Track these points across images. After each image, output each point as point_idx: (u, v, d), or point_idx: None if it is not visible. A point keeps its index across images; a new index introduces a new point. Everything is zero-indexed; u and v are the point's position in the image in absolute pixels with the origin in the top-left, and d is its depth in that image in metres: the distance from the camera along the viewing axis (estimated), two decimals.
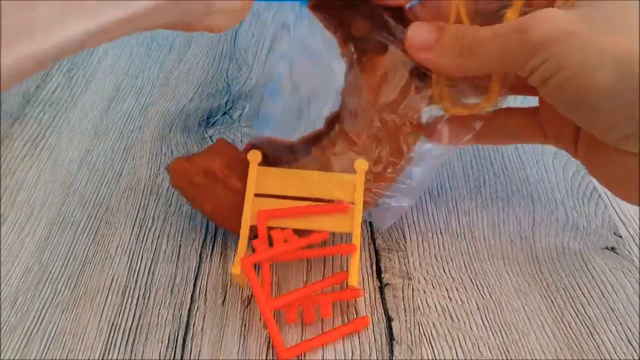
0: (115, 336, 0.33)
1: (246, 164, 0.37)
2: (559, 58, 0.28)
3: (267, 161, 0.37)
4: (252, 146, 0.37)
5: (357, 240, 0.35)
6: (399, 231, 0.39)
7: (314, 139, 0.38)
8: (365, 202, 0.36)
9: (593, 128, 0.30)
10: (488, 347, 0.33)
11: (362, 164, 0.36)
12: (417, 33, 0.33)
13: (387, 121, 0.36)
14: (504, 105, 0.35)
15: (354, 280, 0.34)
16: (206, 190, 0.36)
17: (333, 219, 0.35)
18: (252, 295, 0.35)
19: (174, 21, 0.29)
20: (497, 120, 0.36)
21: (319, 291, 0.34)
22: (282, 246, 0.33)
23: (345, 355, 0.32)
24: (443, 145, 0.36)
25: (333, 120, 0.38)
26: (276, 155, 0.38)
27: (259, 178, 0.36)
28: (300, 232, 0.35)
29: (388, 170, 0.36)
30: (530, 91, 0.32)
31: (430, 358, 0.32)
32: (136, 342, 0.33)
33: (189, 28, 0.31)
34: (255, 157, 0.36)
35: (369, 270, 0.37)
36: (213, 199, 0.37)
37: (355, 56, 0.37)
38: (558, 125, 0.35)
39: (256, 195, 0.36)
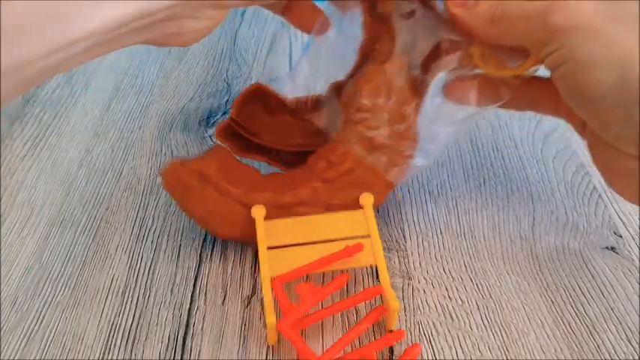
0: (114, 336, 0.33)
1: (241, 169, 0.37)
2: (570, 47, 0.28)
3: (293, 124, 0.39)
4: (222, 130, 0.39)
5: (384, 276, 0.34)
6: (399, 230, 0.39)
7: (337, 89, 0.39)
8: (395, 165, 0.36)
9: (591, 122, 0.30)
10: (488, 347, 0.33)
11: (368, 199, 0.36)
12: None
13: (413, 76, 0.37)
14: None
15: (392, 323, 0.33)
16: (198, 193, 0.36)
17: (352, 257, 0.35)
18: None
19: (150, 41, 0.32)
20: (520, 86, 0.36)
21: (362, 332, 0.33)
22: (311, 301, 0.32)
23: (344, 354, 0.32)
24: (467, 107, 0.36)
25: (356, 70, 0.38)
26: (304, 115, 0.39)
27: (268, 231, 0.35)
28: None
29: (411, 130, 0.37)
30: None
31: (430, 357, 0.32)
32: (136, 342, 0.33)
33: (163, 45, 0.33)
34: (259, 212, 0.36)
35: (369, 269, 0.37)
36: (204, 203, 0.36)
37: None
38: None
39: (269, 248, 0.35)
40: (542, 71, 0.33)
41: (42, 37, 0.26)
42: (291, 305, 0.32)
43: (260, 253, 0.34)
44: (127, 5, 0.28)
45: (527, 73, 0.34)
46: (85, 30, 0.27)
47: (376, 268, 0.37)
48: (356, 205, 0.36)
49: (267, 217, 0.36)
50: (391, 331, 0.32)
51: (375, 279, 0.36)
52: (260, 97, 0.40)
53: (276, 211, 0.36)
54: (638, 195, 0.32)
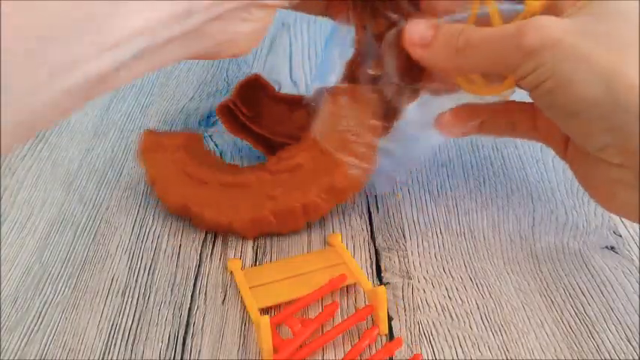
0: (115, 335, 0.33)
1: (204, 152, 0.42)
2: (549, 66, 0.28)
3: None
4: (221, 107, 0.42)
5: (365, 284, 0.34)
6: (399, 230, 0.39)
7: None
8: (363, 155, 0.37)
9: (575, 135, 0.31)
10: (488, 346, 0.33)
11: (335, 238, 0.38)
12: (414, 29, 0.33)
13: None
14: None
15: (384, 328, 0.33)
16: (154, 157, 0.40)
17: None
18: None
19: (202, 53, 0.31)
20: (496, 112, 0.36)
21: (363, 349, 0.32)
22: (304, 334, 0.32)
23: (344, 353, 0.32)
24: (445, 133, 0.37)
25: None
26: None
27: (248, 277, 0.36)
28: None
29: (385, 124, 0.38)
30: None
31: (430, 357, 0.32)
32: (136, 341, 0.33)
33: (215, 56, 0.32)
34: (235, 265, 0.37)
35: (369, 269, 0.37)
36: (156, 167, 0.40)
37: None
38: (550, 124, 0.35)
39: (251, 287, 0.35)
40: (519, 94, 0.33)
41: (86, 36, 0.25)
42: (284, 340, 0.31)
43: (243, 293, 0.35)
44: (168, 4, 0.27)
45: (503, 95, 0.34)
46: (129, 29, 0.26)
47: (376, 267, 0.37)
48: (299, 203, 0.38)
49: (210, 195, 0.38)
50: (390, 340, 0.32)
51: (375, 278, 0.36)
52: (259, 87, 0.43)
53: (220, 189, 0.39)
54: (617, 205, 0.32)
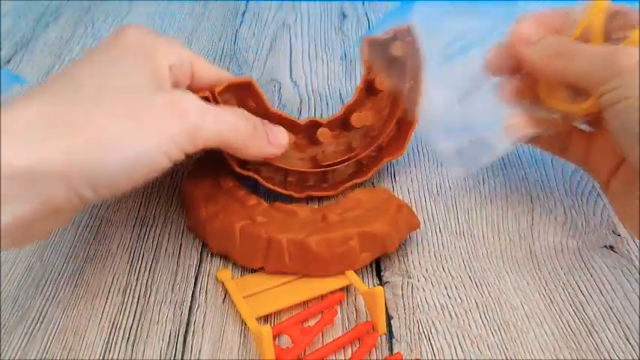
0: (115, 334, 0.34)
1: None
2: (629, 87, 0.30)
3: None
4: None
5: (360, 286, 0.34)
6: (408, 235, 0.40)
7: None
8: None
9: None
10: (487, 345, 0.33)
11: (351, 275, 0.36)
12: (525, 26, 0.35)
13: None
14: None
15: (383, 329, 0.33)
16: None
17: (331, 284, 0.35)
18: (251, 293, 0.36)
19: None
20: (556, 129, 0.37)
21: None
22: (304, 342, 0.32)
23: (344, 353, 0.32)
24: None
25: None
26: None
27: (240, 287, 0.35)
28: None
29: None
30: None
31: (429, 355, 0.32)
32: (137, 340, 0.33)
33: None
34: (225, 275, 0.36)
35: (369, 268, 0.37)
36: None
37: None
38: (602, 155, 0.36)
39: (245, 297, 0.35)
40: None
41: None
42: (283, 350, 0.31)
43: (237, 303, 0.34)
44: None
45: (576, 120, 0.35)
46: None
47: (376, 266, 0.37)
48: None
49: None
50: (391, 354, 0.32)
51: (374, 277, 0.37)
52: (251, 94, 0.39)
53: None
54: None
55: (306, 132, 0.41)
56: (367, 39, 0.41)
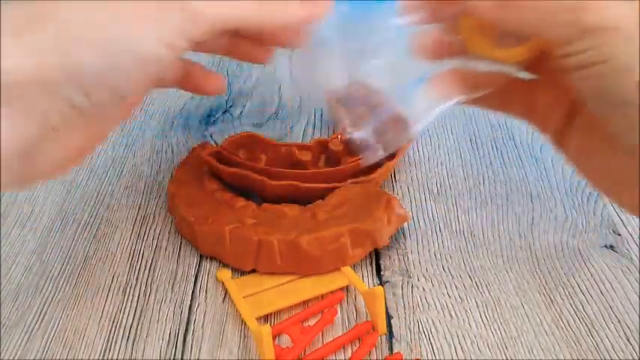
0: (115, 333, 0.34)
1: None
2: (608, 48, 0.27)
3: None
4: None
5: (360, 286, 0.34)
6: (399, 229, 0.40)
7: None
8: None
9: (617, 127, 0.29)
10: (487, 345, 0.33)
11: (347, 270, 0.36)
12: None
13: None
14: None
15: (382, 328, 0.33)
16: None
17: (331, 284, 0.35)
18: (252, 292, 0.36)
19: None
20: (493, 82, 0.33)
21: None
22: (303, 342, 0.32)
23: (344, 352, 0.32)
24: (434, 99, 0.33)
25: None
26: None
27: (240, 287, 0.35)
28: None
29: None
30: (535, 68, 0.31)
31: (429, 355, 0.32)
32: (137, 339, 0.33)
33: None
34: (225, 275, 0.36)
35: (369, 268, 0.37)
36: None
37: None
38: (549, 105, 0.33)
39: (245, 296, 0.35)
40: None
41: None
42: (283, 349, 0.31)
43: (237, 303, 0.34)
44: None
45: (509, 69, 0.31)
46: None
47: (376, 265, 0.37)
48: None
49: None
50: (391, 354, 0.32)
51: (374, 276, 0.36)
52: (255, 142, 0.42)
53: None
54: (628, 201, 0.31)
55: (316, 150, 0.42)
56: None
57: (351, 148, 0.42)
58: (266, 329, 0.30)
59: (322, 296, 0.35)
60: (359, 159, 0.40)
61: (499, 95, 0.33)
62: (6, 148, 0.23)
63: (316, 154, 0.43)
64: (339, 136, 0.44)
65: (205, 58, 0.56)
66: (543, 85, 0.32)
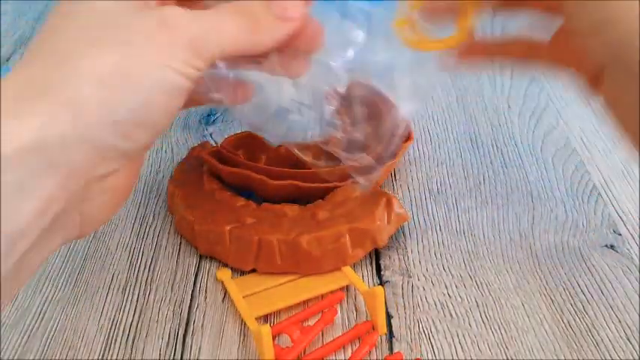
0: (115, 332, 0.33)
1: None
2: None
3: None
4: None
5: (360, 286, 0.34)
6: (399, 228, 0.39)
7: None
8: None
9: None
10: (488, 344, 0.33)
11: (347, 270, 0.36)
12: None
13: None
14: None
15: (382, 328, 0.33)
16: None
17: (331, 283, 0.35)
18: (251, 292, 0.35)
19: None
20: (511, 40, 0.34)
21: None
22: (303, 342, 0.32)
23: (344, 352, 0.32)
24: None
25: None
26: None
27: (240, 286, 0.35)
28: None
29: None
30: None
31: (430, 355, 0.32)
32: (137, 339, 0.33)
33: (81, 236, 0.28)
34: (225, 275, 0.36)
35: (369, 267, 0.37)
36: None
37: None
38: (582, 55, 0.31)
39: (245, 296, 0.35)
40: None
41: None
42: (283, 349, 0.31)
43: (237, 303, 0.34)
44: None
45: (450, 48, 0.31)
46: None
47: (376, 265, 0.37)
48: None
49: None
50: (391, 354, 0.32)
51: (374, 276, 0.36)
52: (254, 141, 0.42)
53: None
54: None
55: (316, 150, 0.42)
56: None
57: (351, 148, 0.42)
58: (266, 329, 0.30)
59: (322, 296, 0.35)
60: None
61: (522, 46, 0.33)
62: (58, 207, 0.24)
63: (316, 154, 0.42)
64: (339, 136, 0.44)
65: None
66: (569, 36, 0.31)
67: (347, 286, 0.36)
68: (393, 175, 0.44)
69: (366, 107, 0.45)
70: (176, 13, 0.27)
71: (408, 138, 0.44)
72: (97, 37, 0.25)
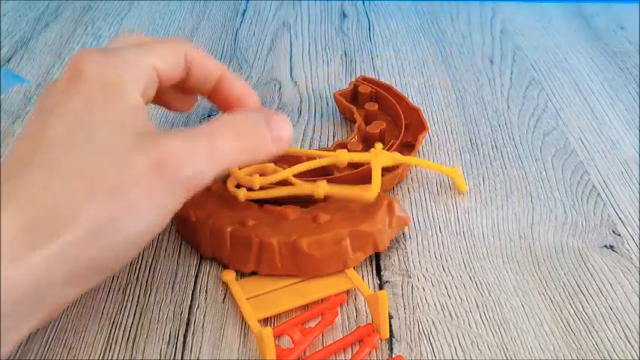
0: (115, 333, 0.34)
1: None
2: None
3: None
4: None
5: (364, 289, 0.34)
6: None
7: None
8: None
9: None
10: (487, 345, 0.33)
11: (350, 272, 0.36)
12: None
13: None
14: None
15: (385, 333, 0.33)
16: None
17: (335, 286, 0.35)
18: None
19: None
20: None
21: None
22: (304, 343, 0.32)
23: (344, 352, 0.32)
24: None
25: None
26: None
27: (244, 288, 0.35)
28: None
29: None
30: None
31: (430, 355, 0.32)
32: (137, 339, 0.33)
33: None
34: (229, 276, 0.36)
35: (369, 268, 0.37)
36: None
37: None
38: None
39: (248, 298, 0.35)
40: None
41: None
42: (284, 350, 0.31)
43: (240, 305, 0.34)
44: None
45: None
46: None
47: (376, 265, 0.37)
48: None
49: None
50: (391, 355, 0.32)
51: (374, 277, 0.36)
52: None
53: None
54: None
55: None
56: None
57: (368, 146, 0.42)
58: (267, 331, 0.30)
59: (324, 299, 0.35)
60: None
61: None
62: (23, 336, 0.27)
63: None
64: (355, 137, 0.44)
65: None
66: None
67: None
68: None
69: (376, 102, 0.46)
70: (174, 150, 0.28)
71: (423, 128, 0.45)
72: (94, 183, 0.27)
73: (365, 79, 0.50)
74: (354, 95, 0.50)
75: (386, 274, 0.37)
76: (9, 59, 0.58)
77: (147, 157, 0.27)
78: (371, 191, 0.36)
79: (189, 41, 0.35)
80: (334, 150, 0.42)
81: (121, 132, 0.28)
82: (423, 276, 0.37)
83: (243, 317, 0.34)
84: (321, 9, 0.66)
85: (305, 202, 0.38)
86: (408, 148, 0.44)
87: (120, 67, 0.29)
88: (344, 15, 0.65)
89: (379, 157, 0.38)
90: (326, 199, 0.39)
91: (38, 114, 0.29)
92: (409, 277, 0.37)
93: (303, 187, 0.37)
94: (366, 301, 0.35)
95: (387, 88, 0.49)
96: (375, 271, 0.37)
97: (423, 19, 0.65)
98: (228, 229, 0.36)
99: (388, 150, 0.42)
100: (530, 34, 0.63)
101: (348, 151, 0.41)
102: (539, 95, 0.53)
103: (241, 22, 0.63)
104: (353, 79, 0.51)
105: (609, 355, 0.32)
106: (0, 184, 0.26)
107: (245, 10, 0.65)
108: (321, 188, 0.36)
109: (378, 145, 0.38)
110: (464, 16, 0.66)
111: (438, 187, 0.43)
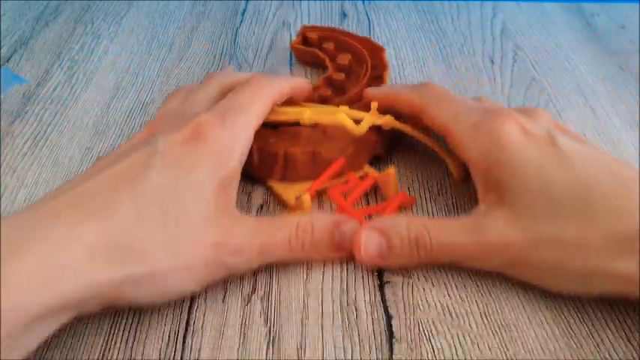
0: (114, 334, 0.33)
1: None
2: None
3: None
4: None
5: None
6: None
7: None
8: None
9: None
10: (488, 345, 0.33)
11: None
12: (369, 243, 0.35)
13: None
14: None
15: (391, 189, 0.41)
16: None
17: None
18: (251, 292, 0.35)
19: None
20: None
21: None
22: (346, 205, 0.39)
23: (344, 353, 0.32)
24: None
25: None
26: None
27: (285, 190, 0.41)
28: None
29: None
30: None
31: (430, 356, 0.32)
32: (136, 340, 0.33)
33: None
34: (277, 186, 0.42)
35: (369, 268, 0.37)
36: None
37: None
38: None
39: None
40: None
41: None
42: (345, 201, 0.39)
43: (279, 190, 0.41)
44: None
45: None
46: None
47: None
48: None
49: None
50: (391, 355, 0.32)
51: (374, 277, 0.36)
52: None
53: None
54: None
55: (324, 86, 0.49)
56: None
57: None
58: (306, 196, 0.38)
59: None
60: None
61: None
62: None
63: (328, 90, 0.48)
64: (322, 81, 0.50)
65: (204, 58, 0.56)
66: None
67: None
68: None
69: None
70: (235, 237, 0.33)
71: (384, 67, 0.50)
72: (168, 238, 0.31)
73: (312, 27, 0.56)
74: (305, 43, 0.56)
75: (386, 274, 0.37)
76: (8, 59, 0.57)
77: (215, 232, 0.32)
78: (360, 127, 0.41)
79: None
80: (322, 84, 0.49)
81: (208, 203, 0.32)
82: (423, 276, 0.37)
83: (244, 307, 0.34)
84: (321, 9, 0.66)
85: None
86: (376, 80, 0.49)
87: (234, 132, 0.35)
88: (344, 14, 0.65)
89: (373, 115, 0.42)
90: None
91: (154, 163, 0.32)
92: (409, 277, 0.36)
93: (290, 113, 0.42)
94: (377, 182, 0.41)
95: (336, 30, 0.55)
96: (375, 271, 0.37)
97: (424, 18, 0.65)
98: (255, 146, 0.40)
99: (361, 80, 0.48)
100: (530, 33, 0.63)
101: (333, 80, 0.49)
102: (540, 95, 0.53)
103: (241, 21, 0.63)
104: (299, 29, 0.57)
105: (610, 355, 0.32)
106: (83, 198, 0.31)
107: (245, 10, 0.65)
108: (306, 114, 0.41)
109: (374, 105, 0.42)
110: (464, 16, 0.66)
111: (438, 186, 0.43)
